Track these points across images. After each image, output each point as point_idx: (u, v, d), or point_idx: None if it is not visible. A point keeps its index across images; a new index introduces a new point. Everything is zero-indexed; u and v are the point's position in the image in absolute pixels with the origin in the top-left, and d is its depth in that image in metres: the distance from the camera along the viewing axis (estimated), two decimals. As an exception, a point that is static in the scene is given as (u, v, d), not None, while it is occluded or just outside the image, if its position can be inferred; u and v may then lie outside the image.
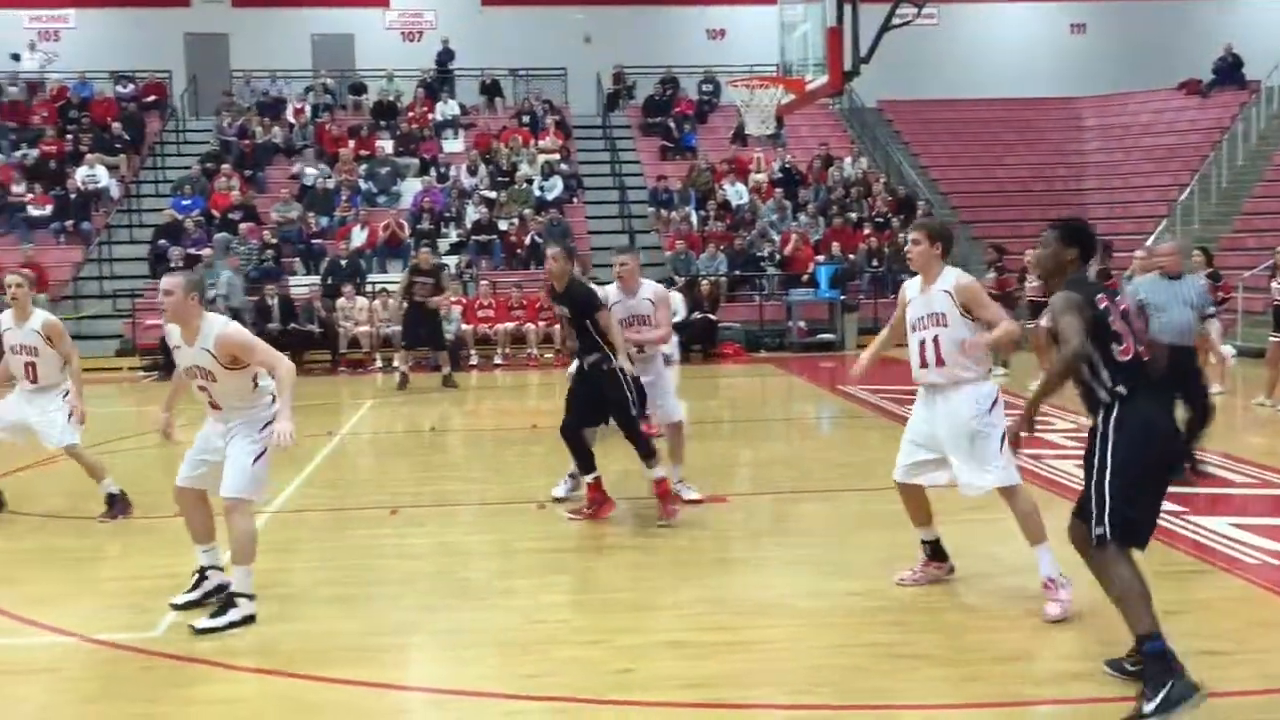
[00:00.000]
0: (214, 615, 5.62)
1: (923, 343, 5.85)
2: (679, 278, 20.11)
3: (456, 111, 26.19)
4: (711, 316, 19.42)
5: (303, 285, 19.98)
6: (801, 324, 20.26)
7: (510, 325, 18.89)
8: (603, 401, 7.70)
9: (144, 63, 26.68)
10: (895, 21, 11.57)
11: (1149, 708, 4.22)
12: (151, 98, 26.31)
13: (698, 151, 25.19)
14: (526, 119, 25.83)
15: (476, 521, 8.11)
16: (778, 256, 21.46)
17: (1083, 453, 4.84)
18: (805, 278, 20.86)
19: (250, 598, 5.67)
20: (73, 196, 22.06)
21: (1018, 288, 15.96)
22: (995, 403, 5.79)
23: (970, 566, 6.41)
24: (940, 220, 8.62)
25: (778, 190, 23.38)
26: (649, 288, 8.24)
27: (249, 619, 5.61)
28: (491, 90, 27.37)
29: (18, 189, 22.20)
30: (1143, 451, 4.54)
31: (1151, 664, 4.34)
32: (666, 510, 7.63)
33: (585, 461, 7.82)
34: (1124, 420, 4.59)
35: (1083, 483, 4.72)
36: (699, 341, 19.19)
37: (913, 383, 6.09)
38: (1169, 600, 5.08)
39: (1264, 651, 5.11)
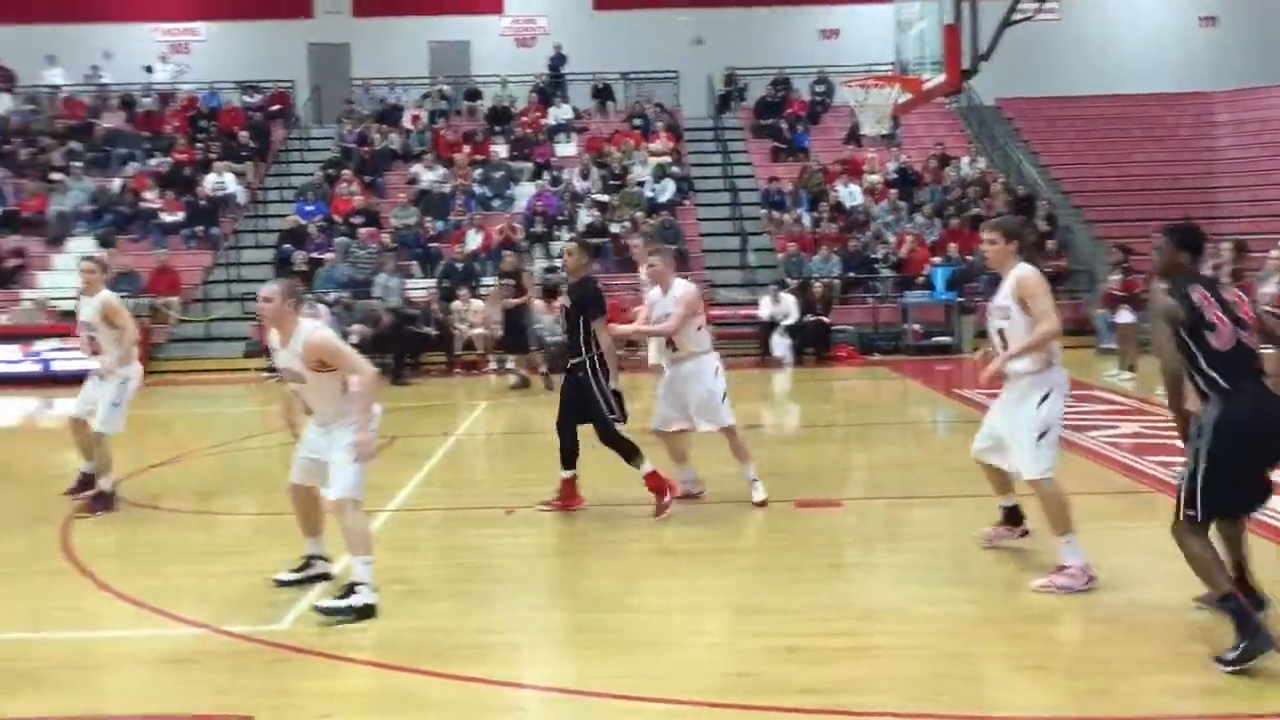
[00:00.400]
0: (336, 598, 5.84)
1: (999, 331, 6.21)
2: (791, 280, 19.99)
3: (569, 115, 26.44)
4: (824, 319, 19.25)
5: (419, 288, 20.37)
6: (917, 326, 19.94)
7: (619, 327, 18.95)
8: (582, 405, 8.00)
9: (269, 73, 27.55)
10: (1016, 17, 11.30)
11: (1230, 656, 4.78)
12: (276, 107, 27.15)
13: (810, 153, 24.98)
14: (638, 122, 25.94)
15: (590, 523, 8.15)
16: (892, 258, 21.16)
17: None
18: (921, 279, 20.52)
19: (371, 588, 5.83)
20: (202, 203, 22.88)
21: (1144, 288, 15.46)
22: (1046, 398, 6.06)
23: (1102, 578, 6.22)
24: (1012, 218, 8.76)
25: (892, 191, 23.05)
26: (679, 286, 8.26)
27: (369, 608, 5.78)
28: (603, 94, 27.57)
29: (150, 196, 23.10)
30: (1236, 448, 4.84)
31: (1232, 621, 4.83)
32: (660, 504, 7.87)
33: (566, 457, 8.17)
34: (1222, 415, 4.86)
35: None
36: (812, 344, 19.03)
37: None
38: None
39: None
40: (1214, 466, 4.84)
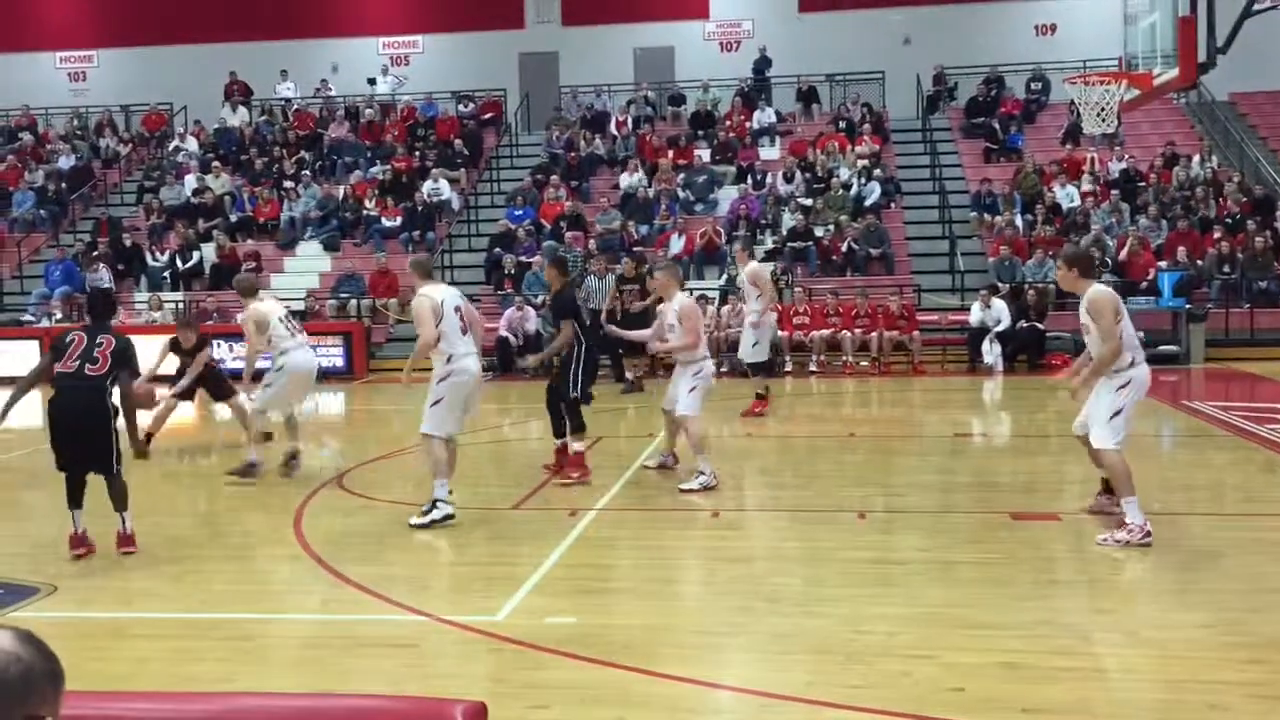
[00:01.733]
0: (421, 514, 7.87)
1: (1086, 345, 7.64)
2: (1002, 284, 19.32)
3: (773, 119, 26.33)
4: (1039, 325, 18.51)
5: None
6: (1141, 334, 18.88)
7: (825, 332, 18.76)
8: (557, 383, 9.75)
9: (482, 82, 28.53)
10: (1257, 7, 10.58)
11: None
12: (489, 115, 28.09)
13: (1024, 153, 24.09)
14: (843, 124, 25.61)
15: (793, 528, 8.09)
16: (1110, 262, 20.17)
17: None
18: (1145, 285, 19.48)
19: (446, 503, 7.86)
20: (419, 209, 23.88)
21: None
22: (1125, 386, 7.28)
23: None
24: (1073, 246, 10.68)
25: (1114, 192, 21.98)
26: (679, 300, 9.41)
27: (448, 517, 7.84)
28: (808, 96, 27.33)
29: (371, 202, 24.27)
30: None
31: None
32: (566, 472, 9.42)
33: (556, 429, 9.82)
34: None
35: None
36: (1024, 351, 18.34)
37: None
38: None
39: None
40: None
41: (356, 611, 6.16)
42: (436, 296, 8.14)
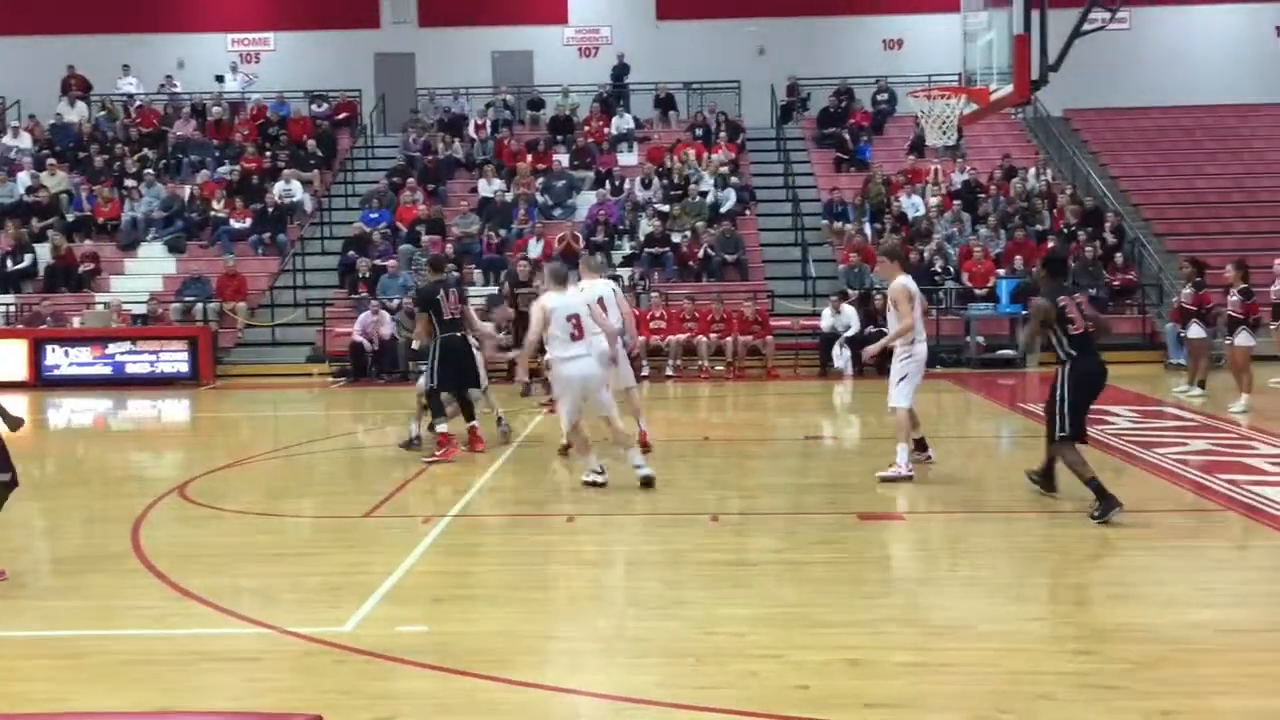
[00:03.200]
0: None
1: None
2: (853, 291, 19.86)
3: (631, 125, 26.53)
4: (886, 331, 19.05)
5: (482, 296, 20.51)
6: (980, 340, 19.70)
7: (682, 337, 18.98)
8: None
9: (336, 82, 27.97)
10: (1086, 27, 11.14)
11: (1097, 514, 7.63)
12: (343, 115, 27.55)
13: (872, 163, 24.82)
14: (700, 132, 25.96)
15: (649, 531, 8.15)
16: (953, 270, 20.94)
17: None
18: (984, 292, 20.28)
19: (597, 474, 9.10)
20: (270, 210, 23.26)
21: (1216, 303, 15.16)
22: (908, 358, 9.31)
23: (1172, 596, 6.12)
24: (892, 242, 12.00)
25: (956, 202, 22.83)
26: (896, 282, 9.56)
27: (595, 485, 9.08)
28: (665, 104, 27.61)
29: (220, 204, 23.53)
30: (1085, 391, 7.97)
31: (1095, 493, 7.70)
32: (444, 453, 10.47)
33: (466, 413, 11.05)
34: (1073, 371, 7.92)
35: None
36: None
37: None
38: None
39: None
40: (1073, 403, 7.90)
41: (197, 625, 5.96)
42: (549, 304, 8.96)
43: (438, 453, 10.54)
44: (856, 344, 18.65)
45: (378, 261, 21.32)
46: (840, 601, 6.19)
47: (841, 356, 18.59)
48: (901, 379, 9.20)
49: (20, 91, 27.52)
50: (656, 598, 6.37)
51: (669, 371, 18.75)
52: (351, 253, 21.67)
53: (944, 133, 12.86)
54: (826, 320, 19.10)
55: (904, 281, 9.29)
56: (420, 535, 7.72)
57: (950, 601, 6.27)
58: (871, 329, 18.86)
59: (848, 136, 25.87)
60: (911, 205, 22.91)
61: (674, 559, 7.23)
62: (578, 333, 8.97)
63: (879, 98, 27.25)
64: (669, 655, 5.37)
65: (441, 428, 10.63)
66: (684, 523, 8.19)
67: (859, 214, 22.83)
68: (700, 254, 21.45)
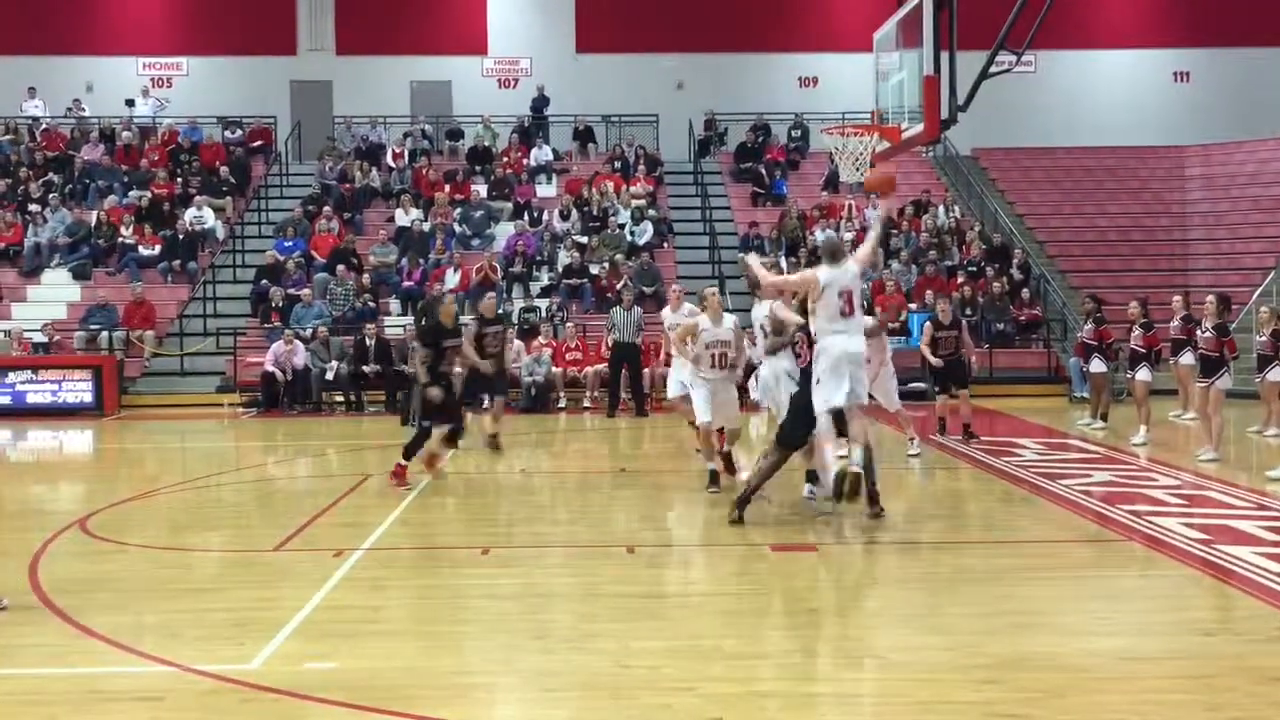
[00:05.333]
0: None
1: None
2: (769, 324, 20.05)
3: (550, 157, 26.58)
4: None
5: (398, 326, 20.35)
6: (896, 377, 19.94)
7: (599, 368, 18.99)
8: None
9: (251, 109, 27.60)
10: (993, 69, 11.46)
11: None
12: (258, 143, 27.17)
13: (787, 198, 25.18)
14: (619, 164, 26.12)
15: (565, 564, 8.12)
16: (866, 304, 21.27)
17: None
18: (897, 325, 20.63)
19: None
20: (180, 237, 22.81)
21: (1117, 338, 15.62)
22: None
23: (1075, 625, 6.26)
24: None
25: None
26: (730, 319, 10.41)
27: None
28: (585, 136, 27.73)
29: (129, 230, 23.02)
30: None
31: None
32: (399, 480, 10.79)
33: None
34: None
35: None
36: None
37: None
38: None
39: None
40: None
41: (97, 664, 5.78)
42: (823, 277, 8.68)
43: (393, 481, 10.87)
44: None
45: (291, 290, 21.02)
46: (752, 633, 6.23)
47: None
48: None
49: (-82, 112, 26.70)
50: (571, 631, 6.34)
51: (586, 403, 18.73)
52: (265, 281, 21.34)
53: (857, 169, 13.09)
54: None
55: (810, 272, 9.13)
56: (331, 569, 7.59)
57: (860, 632, 6.34)
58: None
59: (764, 171, 26.22)
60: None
61: (589, 591, 7.21)
62: (848, 309, 8.65)
63: (792, 133, 27.68)
64: (583, 689, 5.35)
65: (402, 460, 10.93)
66: (600, 555, 8.18)
67: (775, 247, 23.11)
68: (619, 286, 21.51)
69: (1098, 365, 15.26)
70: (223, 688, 5.36)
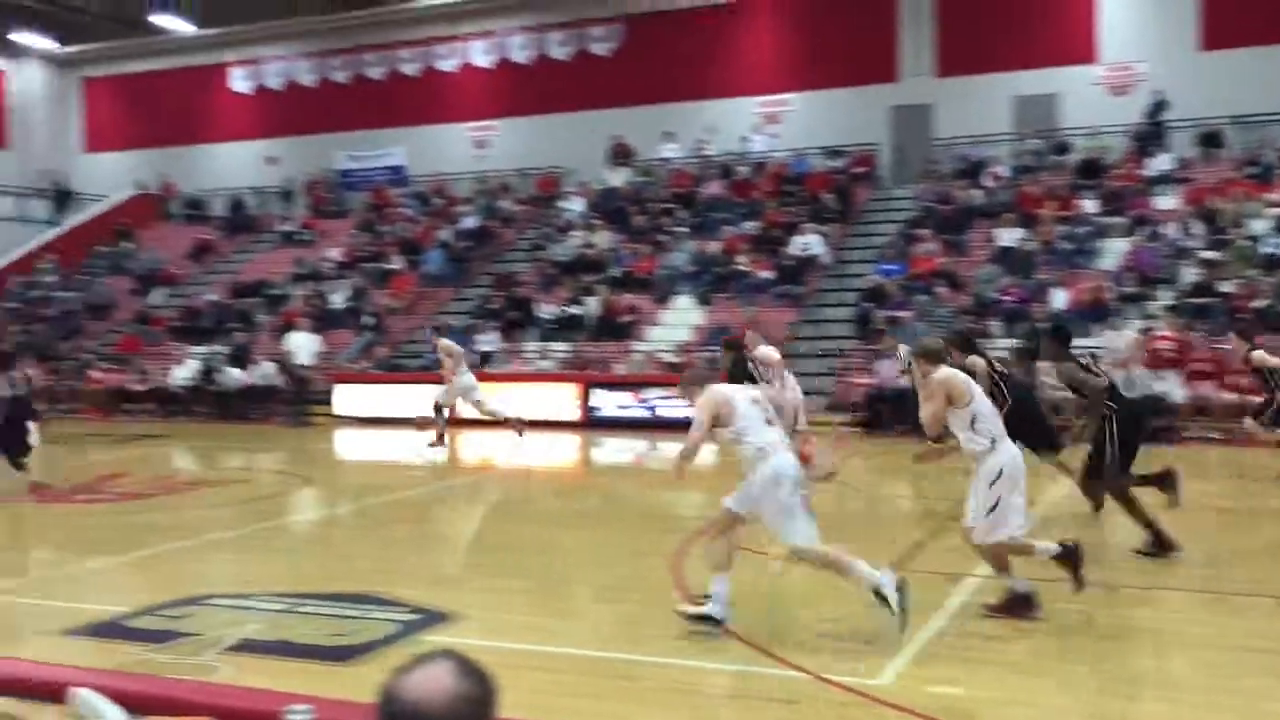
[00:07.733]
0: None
1: None
2: None
3: (1169, 166, 24.48)
4: None
5: (1002, 349, 19.82)
6: None
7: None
8: None
9: (853, 137, 28.46)
10: None
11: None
12: (860, 169, 27.97)
13: None
14: (1252, 169, 23.38)
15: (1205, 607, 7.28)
16: None
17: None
18: None
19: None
20: (789, 263, 24.09)
21: None
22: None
23: None
24: None
25: None
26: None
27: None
28: (1210, 140, 25.19)
29: (744, 258, 24.76)
30: None
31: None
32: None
33: None
34: None
35: None
36: None
37: None
38: None
39: None
40: None
41: (742, 663, 6.15)
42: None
43: None
44: None
45: (892, 313, 21.31)
46: None
47: None
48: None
49: (574, 161, 30.80)
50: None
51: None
52: (867, 304, 21.86)
53: None
54: None
55: None
56: (946, 593, 7.47)
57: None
58: None
59: None
60: None
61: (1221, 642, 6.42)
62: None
63: None
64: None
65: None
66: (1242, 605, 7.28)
67: None
68: (1255, 305, 19.24)
69: None
70: (851, 699, 5.45)
